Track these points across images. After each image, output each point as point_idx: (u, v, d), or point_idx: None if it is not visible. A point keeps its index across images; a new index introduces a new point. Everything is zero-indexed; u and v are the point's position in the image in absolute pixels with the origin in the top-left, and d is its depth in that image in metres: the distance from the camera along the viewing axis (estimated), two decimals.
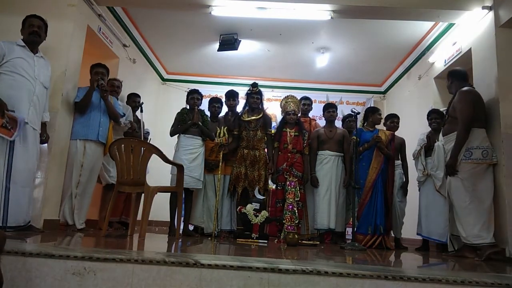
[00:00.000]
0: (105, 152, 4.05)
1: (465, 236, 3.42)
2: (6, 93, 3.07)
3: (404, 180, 4.79)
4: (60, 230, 3.72)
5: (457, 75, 3.79)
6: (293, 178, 4.33)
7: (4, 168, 3.00)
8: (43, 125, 3.45)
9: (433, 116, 4.50)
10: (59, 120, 3.72)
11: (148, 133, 5.15)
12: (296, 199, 4.23)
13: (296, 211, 4.19)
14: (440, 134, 4.41)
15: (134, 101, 4.90)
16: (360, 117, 4.70)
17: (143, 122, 4.76)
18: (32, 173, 3.25)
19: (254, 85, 4.58)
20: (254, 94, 4.55)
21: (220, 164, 4.41)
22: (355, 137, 4.27)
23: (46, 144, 3.52)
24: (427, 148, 4.41)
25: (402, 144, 4.77)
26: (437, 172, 4.24)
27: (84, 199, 3.88)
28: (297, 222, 4.17)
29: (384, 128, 4.91)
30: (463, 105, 3.49)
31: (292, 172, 4.39)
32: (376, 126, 4.69)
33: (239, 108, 4.89)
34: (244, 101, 4.73)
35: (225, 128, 4.55)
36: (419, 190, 4.55)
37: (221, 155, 4.42)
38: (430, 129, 4.52)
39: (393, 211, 4.61)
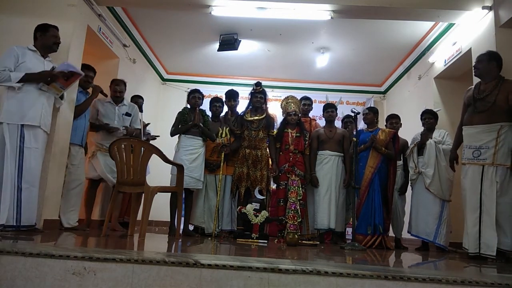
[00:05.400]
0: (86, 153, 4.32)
1: None
2: (20, 96, 3.18)
3: (404, 180, 4.79)
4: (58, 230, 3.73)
5: (501, 61, 3.42)
6: (295, 177, 4.33)
7: (16, 168, 3.08)
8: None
9: (427, 116, 4.57)
10: (59, 121, 3.72)
11: (149, 134, 5.15)
12: (298, 198, 4.23)
13: (299, 210, 4.19)
14: (434, 133, 4.44)
15: (136, 102, 4.92)
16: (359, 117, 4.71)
17: (143, 122, 4.76)
18: (39, 173, 3.33)
19: (258, 84, 4.58)
20: (258, 94, 4.54)
21: (222, 164, 4.41)
22: (354, 138, 4.28)
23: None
24: (420, 146, 4.43)
25: (404, 145, 4.77)
26: (427, 170, 4.28)
27: (70, 199, 3.96)
28: (299, 221, 4.17)
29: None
30: None
31: (294, 171, 4.40)
32: (378, 126, 4.70)
33: (239, 108, 4.89)
34: (246, 100, 4.73)
35: (227, 128, 4.55)
36: (412, 188, 4.58)
37: (222, 155, 4.42)
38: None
39: (395, 211, 4.62)
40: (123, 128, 4.41)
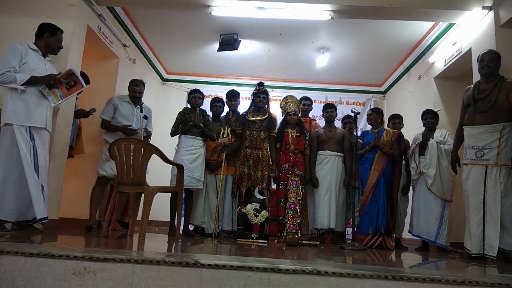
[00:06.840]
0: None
1: None
2: (24, 98, 3.18)
3: (407, 180, 4.78)
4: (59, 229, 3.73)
5: (500, 61, 3.40)
6: (295, 177, 4.33)
7: (33, 167, 3.13)
8: None
9: (428, 116, 4.57)
10: (58, 121, 3.72)
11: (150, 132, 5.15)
12: (298, 198, 4.23)
13: (299, 210, 4.19)
14: (435, 133, 4.44)
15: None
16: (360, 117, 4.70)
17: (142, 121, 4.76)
18: (47, 172, 3.36)
19: (260, 84, 4.59)
20: (260, 94, 4.55)
21: (223, 164, 4.40)
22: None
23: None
24: (422, 146, 4.43)
25: (406, 145, 4.78)
26: (429, 170, 4.28)
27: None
28: (299, 221, 4.17)
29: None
30: None
31: (295, 171, 4.40)
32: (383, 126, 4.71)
33: (240, 108, 4.89)
34: (248, 100, 4.73)
35: (229, 128, 4.55)
36: (413, 188, 4.58)
37: (224, 155, 4.42)
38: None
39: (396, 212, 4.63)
40: (143, 130, 4.40)
